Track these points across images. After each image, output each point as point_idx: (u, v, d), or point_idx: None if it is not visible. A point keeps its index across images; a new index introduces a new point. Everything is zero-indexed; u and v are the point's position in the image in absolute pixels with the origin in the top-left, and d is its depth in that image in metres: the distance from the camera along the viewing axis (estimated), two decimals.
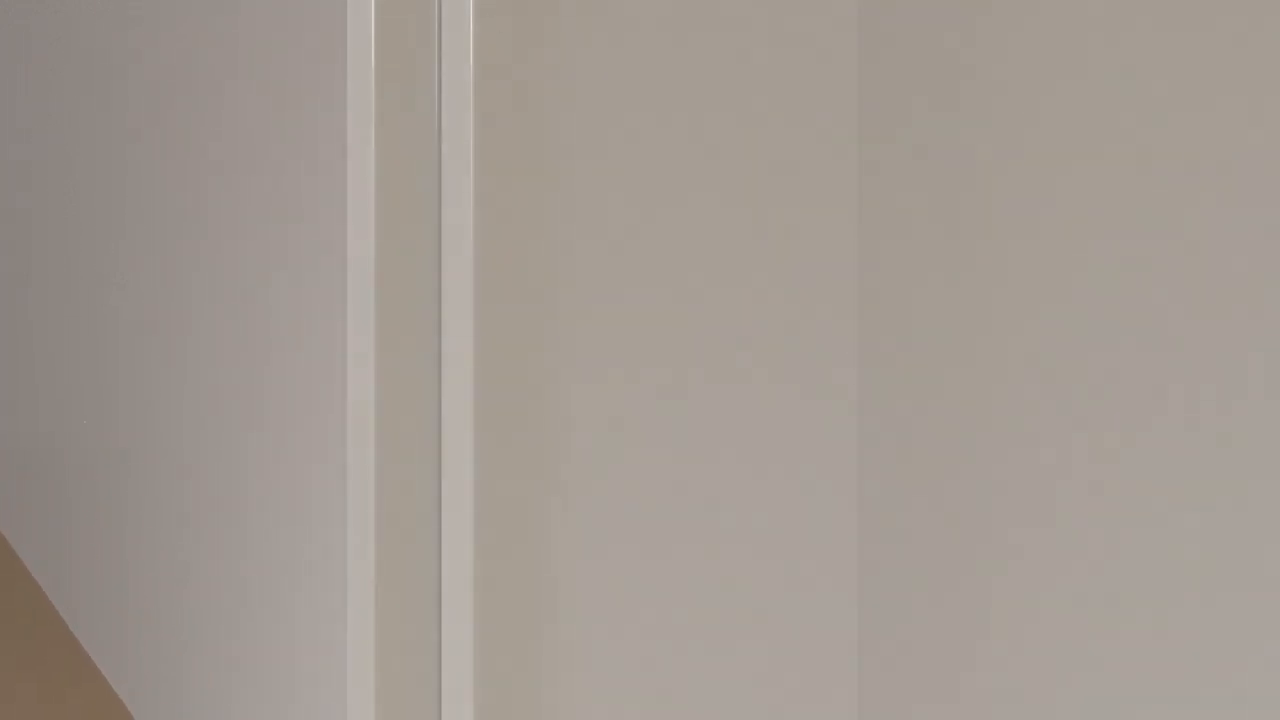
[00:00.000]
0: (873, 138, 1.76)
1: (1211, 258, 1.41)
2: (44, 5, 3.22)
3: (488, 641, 1.52)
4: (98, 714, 2.68)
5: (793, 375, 1.73)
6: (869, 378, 1.77)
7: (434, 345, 1.58)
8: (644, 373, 1.62)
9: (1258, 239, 1.36)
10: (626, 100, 1.60)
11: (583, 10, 1.56)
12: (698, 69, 1.64)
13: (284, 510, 1.89)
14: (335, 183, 1.71)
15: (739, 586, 1.70)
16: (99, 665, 2.77)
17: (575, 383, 1.57)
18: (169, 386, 2.37)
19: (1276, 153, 1.34)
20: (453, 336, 1.50)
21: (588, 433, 1.58)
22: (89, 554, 2.85)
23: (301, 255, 1.82)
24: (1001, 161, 1.61)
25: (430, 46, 1.57)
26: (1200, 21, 1.41)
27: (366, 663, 1.56)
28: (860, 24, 1.77)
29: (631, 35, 1.60)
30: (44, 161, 3.26)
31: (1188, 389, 1.43)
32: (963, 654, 1.66)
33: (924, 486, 1.71)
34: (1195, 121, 1.41)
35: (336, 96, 1.70)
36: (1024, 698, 1.60)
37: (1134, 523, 1.48)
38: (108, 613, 2.72)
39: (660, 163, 1.62)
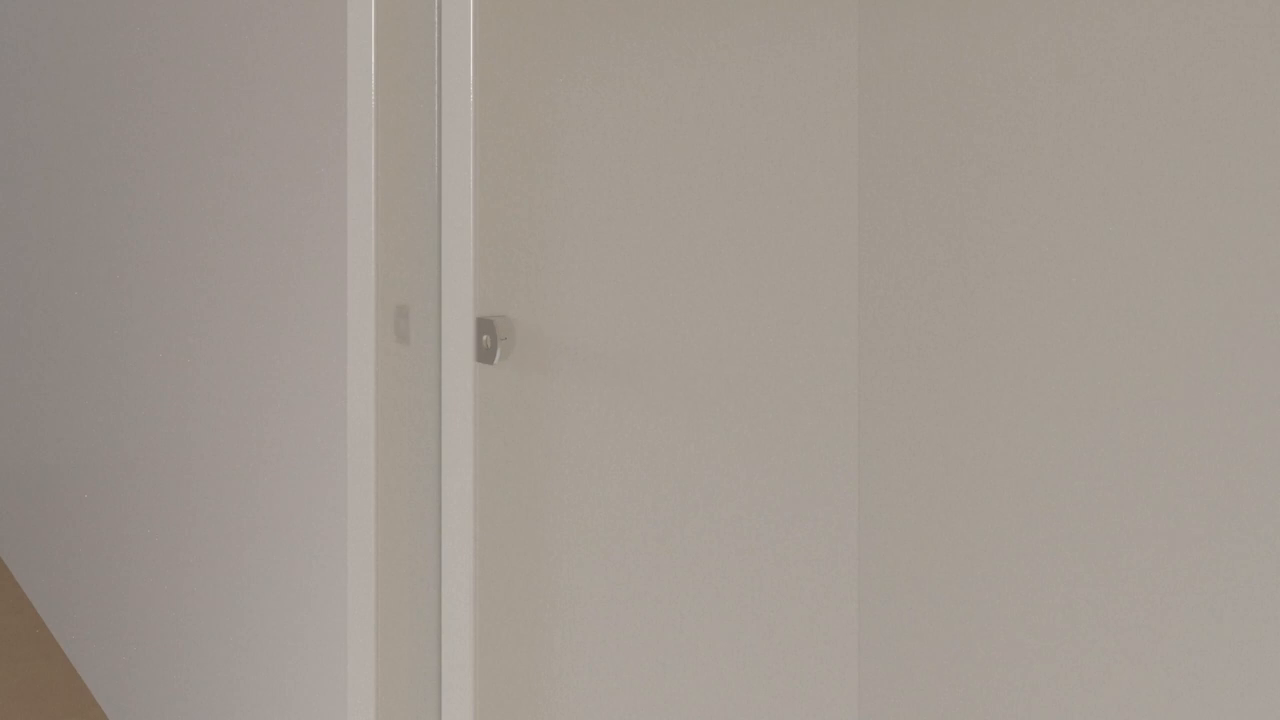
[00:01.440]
0: (872, 140, 1.76)
1: (1209, 260, 1.41)
2: (49, 9, 3.23)
3: (488, 647, 1.52)
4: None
5: (793, 377, 1.73)
6: (869, 379, 1.78)
7: (434, 350, 1.58)
8: (644, 373, 1.62)
9: (1257, 240, 1.36)
10: (628, 102, 1.60)
11: (584, 15, 1.56)
12: (700, 73, 1.65)
13: (286, 520, 1.89)
14: (336, 188, 1.71)
15: (740, 587, 1.70)
16: (95, 694, 2.77)
17: (575, 384, 1.57)
18: (170, 396, 2.36)
19: (1275, 156, 1.35)
20: (453, 340, 1.50)
21: (588, 433, 1.58)
22: (87, 571, 2.85)
23: (302, 265, 1.82)
24: (1000, 165, 1.61)
25: (430, 47, 1.57)
26: (1199, 26, 1.41)
27: (366, 684, 1.56)
28: (861, 28, 1.78)
29: (635, 37, 1.60)
30: (46, 169, 3.26)
31: (1187, 390, 1.43)
32: (962, 654, 1.67)
33: (924, 486, 1.71)
34: (1192, 125, 1.42)
35: (337, 102, 1.70)
36: (1023, 697, 1.60)
37: (1133, 523, 1.48)
38: (103, 633, 2.72)
39: (662, 166, 1.62)
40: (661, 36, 1.61)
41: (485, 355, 1.45)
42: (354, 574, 1.59)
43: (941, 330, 1.68)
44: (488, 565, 1.51)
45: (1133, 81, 1.47)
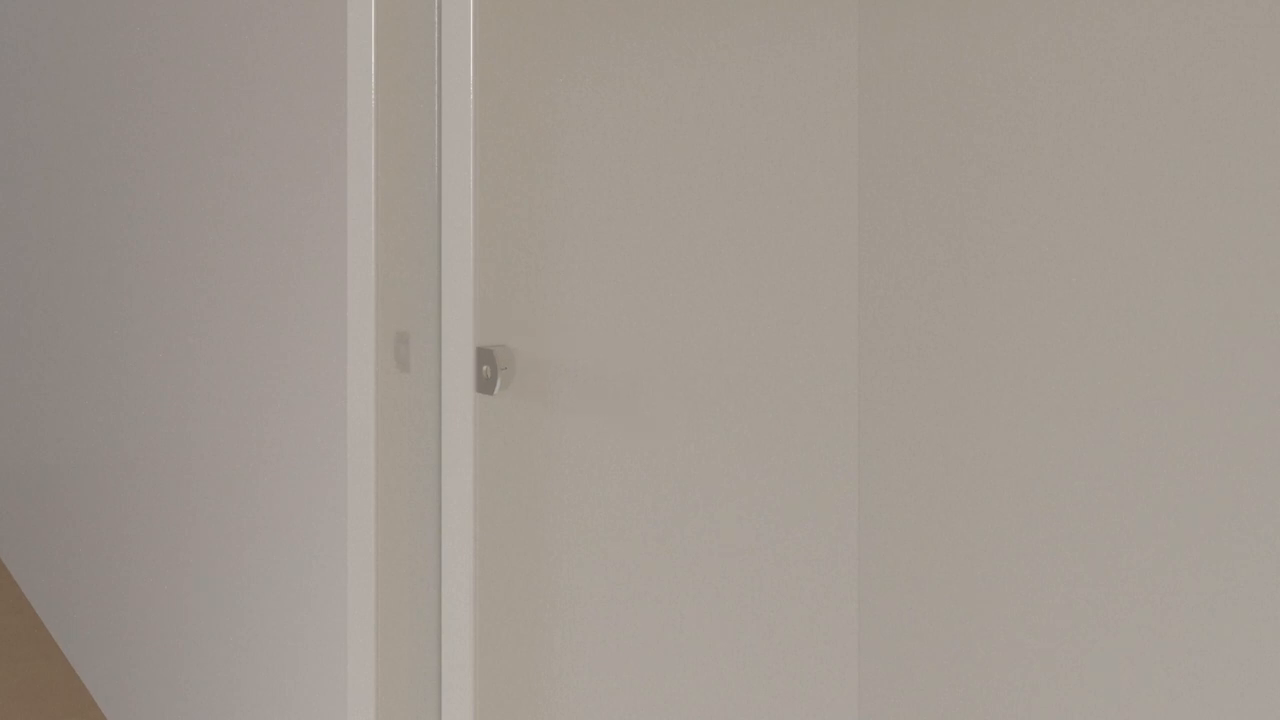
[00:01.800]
0: (872, 140, 1.76)
1: (1209, 260, 1.41)
2: (49, 9, 3.22)
3: (488, 647, 1.52)
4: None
5: (793, 377, 1.73)
6: (869, 379, 1.78)
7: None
8: (645, 371, 1.62)
9: (1257, 240, 1.36)
10: (629, 102, 1.60)
11: (584, 15, 1.56)
12: (700, 73, 1.65)
13: (286, 520, 1.89)
14: (336, 188, 1.71)
15: (740, 587, 1.70)
16: (95, 695, 2.77)
17: (576, 383, 1.57)
18: (170, 396, 2.36)
19: (1275, 156, 1.35)
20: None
21: (587, 433, 1.58)
22: (87, 571, 2.85)
23: (303, 265, 1.82)
24: (1000, 165, 1.61)
25: (430, 47, 1.57)
26: (1199, 26, 1.41)
27: (366, 684, 1.56)
28: (861, 28, 1.78)
29: (635, 37, 1.60)
30: (46, 169, 3.26)
31: (1187, 390, 1.43)
32: (962, 654, 1.66)
33: (924, 487, 1.71)
34: (1193, 125, 1.42)
35: (337, 102, 1.70)
36: (1023, 697, 1.60)
37: (1133, 523, 1.48)
38: (103, 633, 2.71)
39: (662, 167, 1.63)
40: (661, 36, 1.61)
41: (485, 386, 1.46)
42: (354, 574, 1.59)
43: (941, 330, 1.68)
44: (488, 565, 1.51)
45: (1133, 81, 1.47)
